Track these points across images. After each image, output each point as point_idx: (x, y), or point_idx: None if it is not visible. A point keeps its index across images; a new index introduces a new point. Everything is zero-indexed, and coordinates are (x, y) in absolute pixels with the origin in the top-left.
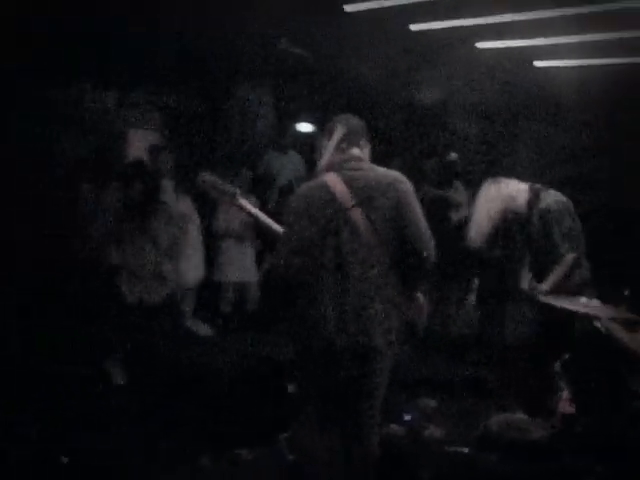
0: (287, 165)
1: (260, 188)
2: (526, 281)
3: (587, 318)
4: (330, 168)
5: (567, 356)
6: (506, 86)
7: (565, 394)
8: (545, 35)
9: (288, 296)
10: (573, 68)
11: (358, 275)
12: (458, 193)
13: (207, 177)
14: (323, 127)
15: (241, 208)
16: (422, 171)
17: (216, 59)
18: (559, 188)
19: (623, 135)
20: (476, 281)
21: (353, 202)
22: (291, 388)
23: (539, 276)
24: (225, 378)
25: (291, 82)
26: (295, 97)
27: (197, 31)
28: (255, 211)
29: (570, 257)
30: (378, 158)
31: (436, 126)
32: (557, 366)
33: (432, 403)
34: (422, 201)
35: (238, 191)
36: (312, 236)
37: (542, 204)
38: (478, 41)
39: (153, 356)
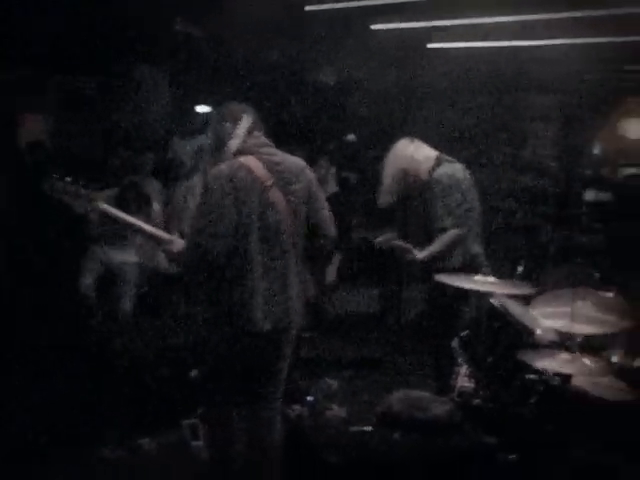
0: (192, 148)
1: (168, 173)
2: (400, 250)
3: (482, 295)
4: (243, 152)
5: (464, 332)
6: (401, 67)
7: (463, 370)
8: (440, 17)
9: (208, 279)
10: (467, 49)
11: (280, 256)
12: (323, 169)
13: (56, 182)
14: (220, 111)
15: (105, 214)
16: (322, 152)
17: (112, 40)
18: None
19: (518, 115)
20: (337, 257)
21: (272, 182)
22: (194, 373)
23: (420, 245)
24: (126, 365)
25: (190, 64)
26: (195, 79)
27: (91, 11)
28: (122, 215)
29: (452, 232)
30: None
31: (333, 108)
32: (455, 342)
33: (334, 384)
34: None
35: (100, 197)
36: (239, 218)
37: (436, 174)
38: (373, 23)
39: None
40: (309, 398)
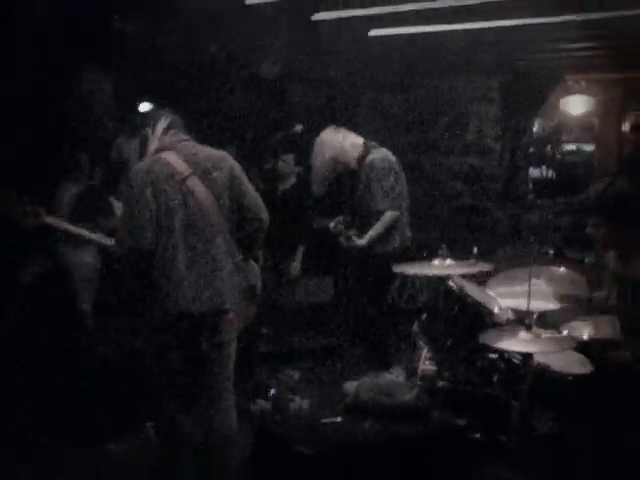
0: (135, 149)
1: (113, 172)
2: (340, 233)
3: (441, 278)
4: (162, 149)
5: (424, 316)
6: (344, 56)
7: (424, 353)
8: (380, 4)
9: (138, 269)
10: (409, 35)
11: (206, 242)
12: (286, 165)
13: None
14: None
15: (50, 226)
16: (268, 144)
17: (49, 41)
18: (403, 153)
19: (460, 97)
20: (300, 250)
21: (190, 172)
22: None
23: (361, 231)
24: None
25: (129, 62)
26: (135, 78)
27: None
28: (67, 227)
29: (389, 214)
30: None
31: (278, 99)
32: (415, 326)
33: (295, 375)
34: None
35: (41, 209)
36: (160, 208)
37: (368, 159)
38: (314, 13)
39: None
40: (272, 391)
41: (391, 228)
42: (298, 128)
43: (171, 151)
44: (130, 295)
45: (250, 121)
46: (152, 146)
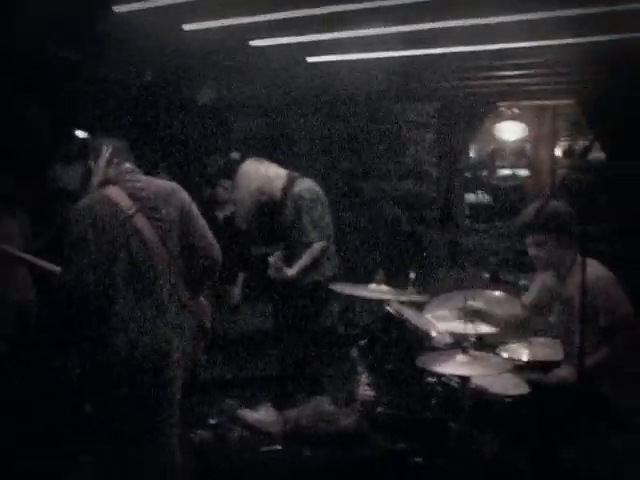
0: (76, 175)
1: (50, 200)
2: (272, 266)
3: (379, 303)
4: (106, 182)
5: (363, 341)
6: (282, 82)
7: (364, 378)
8: (318, 31)
9: (78, 313)
10: (347, 62)
11: (151, 283)
12: (225, 191)
13: None
14: (83, 149)
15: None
16: (205, 171)
17: None
18: (344, 178)
19: (401, 125)
20: (241, 277)
21: (136, 210)
22: (88, 408)
23: (290, 261)
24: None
25: (61, 88)
26: (68, 103)
27: None
28: (13, 252)
29: (318, 245)
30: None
31: (215, 125)
32: (354, 351)
33: (236, 404)
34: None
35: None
36: (102, 250)
37: (294, 190)
38: (252, 39)
39: None
40: (212, 421)
41: (320, 258)
42: (235, 155)
43: (115, 185)
44: (66, 333)
45: (187, 148)
46: (95, 179)
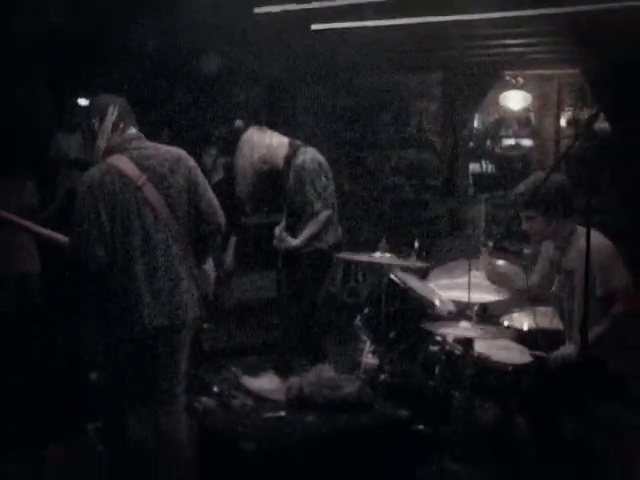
0: (78, 142)
1: (51, 170)
2: (277, 237)
3: (382, 270)
4: (112, 150)
5: (367, 309)
6: (286, 50)
7: (367, 346)
8: None
9: (92, 285)
10: (350, 30)
11: (163, 253)
12: (210, 158)
13: None
14: (87, 107)
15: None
16: (210, 139)
17: None
18: (348, 148)
19: (405, 95)
20: (232, 241)
21: (145, 179)
22: (93, 376)
23: (294, 231)
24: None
25: (66, 55)
26: (72, 71)
27: None
28: (25, 223)
29: (324, 214)
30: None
31: (219, 94)
32: (358, 320)
33: (239, 372)
34: None
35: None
36: (115, 221)
37: (298, 160)
38: (256, 6)
39: None
40: (215, 388)
41: (324, 227)
42: (239, 123)
43: (122, 154)
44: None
45: (190, 116)
46: (101, 143)
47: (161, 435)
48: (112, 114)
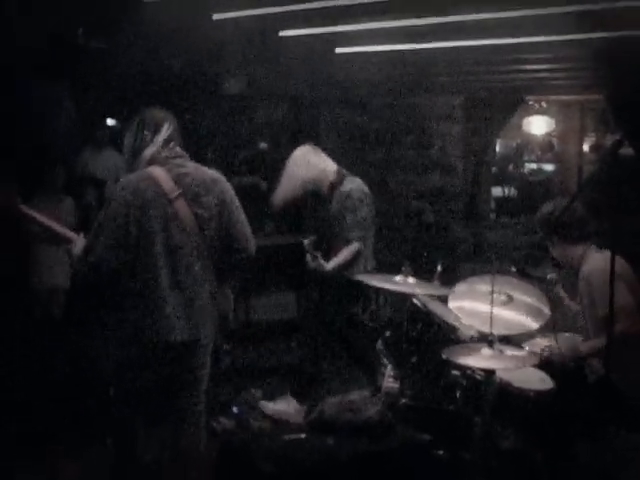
0: (105, 162)
1: (78, 186)
2: (308, 251)
3: (405, 295)
4: (154, 162)
5: (388, 333)
6: (311, 73)
7: (389, 370)
8: (347, 22)
9: (108, 293)
10: (374, 54)
11: (186, 269)
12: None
13: None
14: (133, 118)
15: (25, 216)
16: (234, 162)
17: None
18: (370, 170)
19: (425, 116)
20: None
21: (178, 194)
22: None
23: (327, 256)
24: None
25: (91, 76)
26: (97, 91)
27: None
28: (42, 218)
29: (356, 245)
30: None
31: (244, 115)
32: (379, 343)
33: (258, 393)
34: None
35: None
36: (141, 229)
37: (344, 188)
38: (282, 29)
39: None
40: (235, 409)
41: (355, 258)
42: (263, 146)
43: (162, 167)
44: (98, 312)
45: (214, 138)
46: (147, 154)
47: (178, 452)
48: (167, 130)
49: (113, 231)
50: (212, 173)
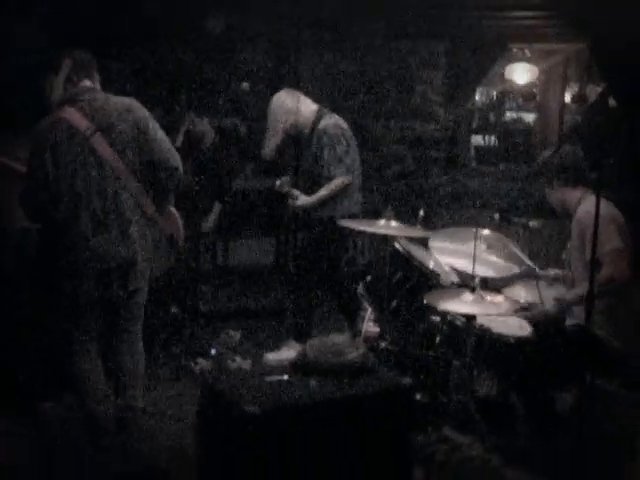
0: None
1: None
2: (277, 187)
3: (386, 239)
4: (64, 102)
5: (369, 278)
6: (290, 15)
7: (369, 314)
8: None
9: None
10: None
11: (111, 200)
12: (202, 123)
13: None
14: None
15: None
16: (216, 102)
17: None
18: (350, 116)
19: (405, 62)
20: (216, 206)
21: (93, 130)
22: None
23: (310, 193)
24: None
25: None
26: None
27: None
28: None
29: (340, 180)
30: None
31: (224, 56)
32: (360, 288)
33: (237, 335)
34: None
35: None
36: (60, 168)
37: (321, 125)
38: None
39: None
40: (213, 351)
41: (340, 193)
42: (245, 86)
43: (73, 106)
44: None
45: (195, 78)
46: (54, 96)
47: (122, 371)
48: (67, 67)
49: (31, 174)
50: (125, 101)
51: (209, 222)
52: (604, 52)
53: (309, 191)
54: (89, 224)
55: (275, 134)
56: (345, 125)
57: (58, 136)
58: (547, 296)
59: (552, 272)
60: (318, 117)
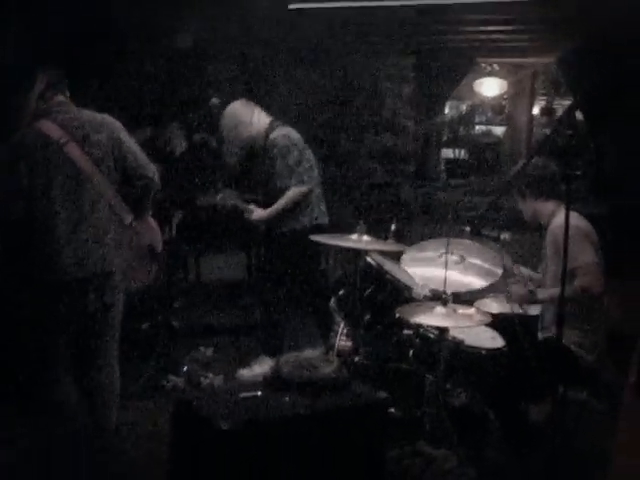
0: None
1: None
2: (220, 202)
3: (359, 253)
4: (39, 116)
5: (341, 292)
6: (262, 27)
7: (342, 328)
8: None
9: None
10: (327, 10)
11: (87, 209)
12: (175, 135)
13: None
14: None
15: None
16: (187, 118)
17: None
18: (322, 130)
19: (380, 78)
20: (177, 216)
21: (67, 139)
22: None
23: (267, 206)
24: None
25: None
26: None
27: None
28: None
29: (295, 190)
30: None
31: (194, 71)
32: (332, 302)
33: (209, 352)
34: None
35: None
36: (35, 178)
37: (271, 137)
38: None
39: None
40: (185, 368)
41: (298, 204)
42: (215, 101)
43: (46, 119)
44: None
45: (164, 93)
46: (27, 111)
47: (96, 389)
48: (41, 83)
49: (6, 184)
50: (98, 115)
51: (171, 230)
52: (571, 67)
53: (269, 204)
54: (63, 232)
55: (229, 144)
56: (297, 135)
57: (32, 145)
58: (516, 293)
59: (527, 272)
60: (270, 129)
